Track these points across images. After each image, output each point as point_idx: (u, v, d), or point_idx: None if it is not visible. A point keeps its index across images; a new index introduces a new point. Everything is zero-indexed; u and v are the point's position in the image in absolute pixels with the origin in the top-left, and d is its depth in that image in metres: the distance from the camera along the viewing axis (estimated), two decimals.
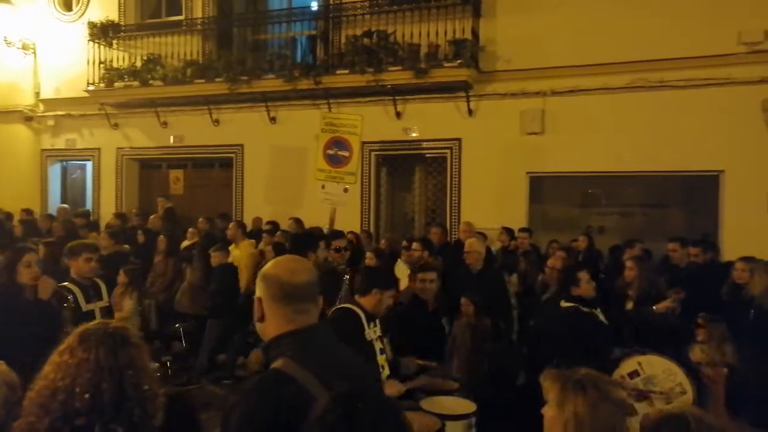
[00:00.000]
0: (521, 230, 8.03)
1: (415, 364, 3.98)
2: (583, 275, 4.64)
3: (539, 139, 8.81)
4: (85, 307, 4.35)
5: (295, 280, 1.83)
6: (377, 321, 3.70)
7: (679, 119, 8.07)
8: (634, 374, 4.01)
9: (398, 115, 9.49)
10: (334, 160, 8.09)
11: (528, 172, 9.01)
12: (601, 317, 4.65)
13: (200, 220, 8.94)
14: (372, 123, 8.81)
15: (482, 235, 7.73)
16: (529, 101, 8.80)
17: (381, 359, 3.60)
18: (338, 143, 8.09)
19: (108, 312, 4.52)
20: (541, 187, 9.22)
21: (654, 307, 5.22)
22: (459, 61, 8.51)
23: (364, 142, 8.70)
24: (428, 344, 4.45)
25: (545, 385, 1.93)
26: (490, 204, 8.94)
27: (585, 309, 4.55)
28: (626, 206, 9.15)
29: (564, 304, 4.64)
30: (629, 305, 5.54)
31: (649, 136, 8.21)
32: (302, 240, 6.34)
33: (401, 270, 6.65)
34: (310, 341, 1.80)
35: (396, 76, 8.93)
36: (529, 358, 5.43)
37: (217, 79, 10.01)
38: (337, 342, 1.94)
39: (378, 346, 3.61)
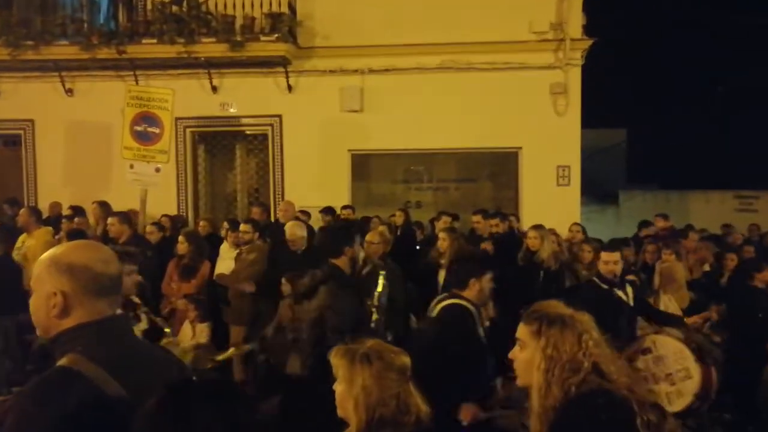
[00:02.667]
0: (344, 207, 8.14)
1: None
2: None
3: (359, 117, 8.96)
4: None
5: (110, 271, 1.62)
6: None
7: (484, 100, 8.74)
8: (646, 351, 4.02)
9: (214, 89, 9.00)
10: (144, 138, 7.42)
11: (350, 150, 9.14)
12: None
13: None
14: (185, 98, 8.26)
15: (306, 214, 7.70)
16: (348, 78, 8.89)
17: None
18: (147, 119, 7.43)
19: None
20: (364, 164, 9.41)
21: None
22: (276, 35, 8.28)
23: (177, 118, 8.18)
24: None
25: (334, 362, 1.95)
26: (313, 182, 8.94)
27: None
28: (442, 181, 9.73)
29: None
30: (442, 274, 5.90)
31: (459, 115, 8.79)
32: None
33: (227, 252, 6.40)
34: (107, 334, 1.59)
35: (210, 48, 8.42)
36: None
37: None
38: (131, 333, 1.76)
39: None
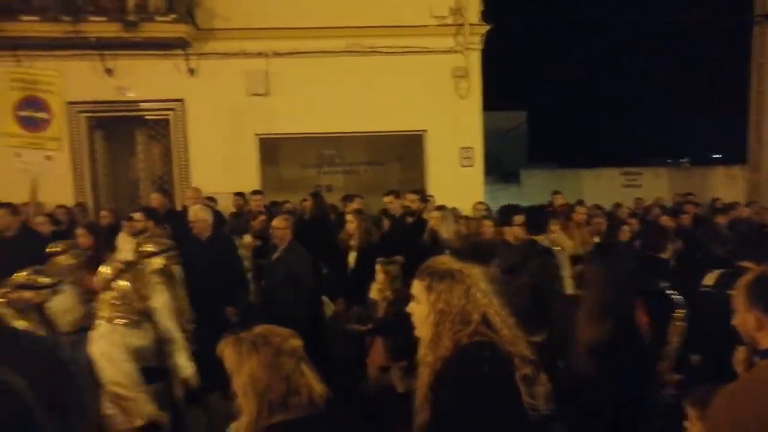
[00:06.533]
0: (253, 192, 8.04)
1: None
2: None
3: (266, 101, 8.83)
4: None
5: None
6: None
7: (389, 83, 8.88)
8: None
9: (108, 72, 8.51)
10: (30, 123, 6.93)
11: (257, 134, 9.00)
12: None
13: None
14: (77, 80, 7.81)
15: (212, 200, 7.54)
16: (253, 62, 8.72)
17: None
18: (33, 103, 6.93)
19: None
20: (274, 148, 9.31)
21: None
22: (173, 15, 7.95)
23: (69, 103, 7.74)
24: None
25: (225, 353, 1.91)
26: (220, 168, 8.73)
27: None
28: (353, 164, 9.80)
29: None
30: (352, 256, 6.02)
31: (366, 98, 8.88)
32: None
33: (125, 242, 6.15)
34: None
35: (100, 27, 7.94)
36: None
37: None
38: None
39: None
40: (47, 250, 4.60)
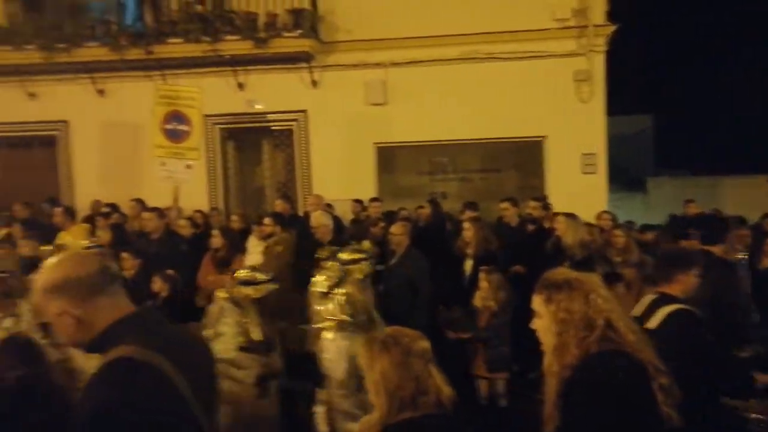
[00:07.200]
0: (372, 200, 8.23)
1: None
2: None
3: (383, 110, 9.04)
4: None
5: (90, 269, 1.67)
6: None
7: (507, 89, 8.73)
8: None
9: (240, 86, 9.16)
10: (174, 135, 7.60)
11: (375, 143, 9.23)
12: None
13: (17, 206, 7.93)
14: (213, 95, 8.41)
15: (330, 207, 7.81)
16: (372, 72, 8.96)
17: None
18: (177, 117, 7.61)
19: None
20: (390, 156, 9.49)
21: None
22: (299, 31, 8.40)
23: (206, 116, 8.33)
24: None
25: (359, 352, 2.06)
26: (339, 175, 9.05)
27: None
28: (467, 172, 9.72)
29: None
30: (468, 264, 5.96)
31: (482, 105, 8.80)
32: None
33: (255, 245, 6.55)
34: (143, 323, 1.70)
35: (234, 46, 8.57)
36: None
37: (27, 47, 8.84)
38: (164, 319, 1.85)
39: None
40: None
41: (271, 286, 3.93)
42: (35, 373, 2.30)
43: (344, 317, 3.71)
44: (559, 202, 7.87)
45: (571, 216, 5.90)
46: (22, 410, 2.16)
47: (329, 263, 4.05)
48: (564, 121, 8.72)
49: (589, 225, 6.48)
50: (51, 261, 1.71)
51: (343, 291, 3.79)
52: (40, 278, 1.66)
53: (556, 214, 6.18)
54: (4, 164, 10.25)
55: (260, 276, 3.92)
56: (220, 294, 3.95)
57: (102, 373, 1.56)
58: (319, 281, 3.88)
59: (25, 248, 6.17)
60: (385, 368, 1.95)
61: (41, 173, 9.94)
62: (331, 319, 3.76)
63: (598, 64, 8.68)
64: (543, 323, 2.05)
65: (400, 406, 1.94)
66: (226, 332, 3.83)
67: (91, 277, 1.66)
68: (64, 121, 9.66)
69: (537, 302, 2.08)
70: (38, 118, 9.61)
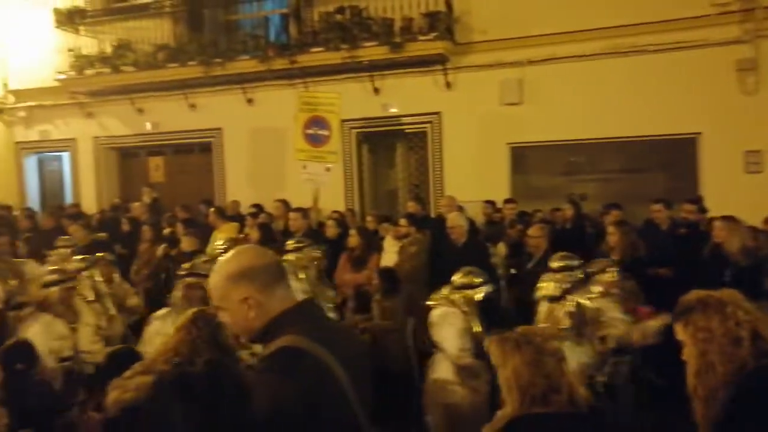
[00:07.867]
0: (506, 201, 8.07)
1: None
2: None
3: (518, 110, 8.82)
4: None
5: (268, 261, 1.80)
6: None
7: (654, 84, 8.11)
8: None
9: (376, 91, 9.43)
10: (314, 140, 8.01)
11: (509, 143, 9.04)
12: None
13: (177, 208, 8.85)
14: (350, 100, 8.72)
15: (461, 209, 7.75)
16: (507, 71, 8.78)
17: None
18: (317, 122, 8.01)
19: None
20: (523, 157, 9.25)
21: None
22: (434, 34, 8.45)
23: (343, 120, 8.67)
24: None
25: (490, 349, 2.16)
26: (472, 176, 8.98)
27: None
28: (607, 172, 9.18)
29: None
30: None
31: (626, 101, 8.25)
32: None
33: (391, 245, 6.71)
34: (308, 315, 1.79)
35: (371, 51, 8.84)
36: None
37: (191, 63, 9.84)
38: (324, 312, 1.96)
39: None
40: None
41: (489, 288, 4.01)
42: (219, 360, 2.51)
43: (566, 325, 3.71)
44: (715, 204, 7.16)
45: (730, 219, 5.35)
46: (209, 394, 2.36)
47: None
48: (723, 116, 7.89)
49: (753, 229, 5.82)
50: (232, 253, 1.85)
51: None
52: (223, 267, 1.78)
53: (714, 218, 5.64)
54: (170, 170, 11.51)
55: (477, 279, 4.00)
56: (439, 299, 4.08)
57: (272, 360, 1.65)
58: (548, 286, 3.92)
59: (186, 244, 6.87)
60: (517, 366, 2.05)
61: (200, 177, 11.01)
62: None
63: (766, 52, 7.76)
64: (688, 351, 1.99)
65: (531, 402, 2.01)
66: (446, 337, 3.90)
67: (271, 266, 1.79)
68: (219, 129, 10.60)
69: (678, 331, 2.04)
70: (197, 126, 10.65)
